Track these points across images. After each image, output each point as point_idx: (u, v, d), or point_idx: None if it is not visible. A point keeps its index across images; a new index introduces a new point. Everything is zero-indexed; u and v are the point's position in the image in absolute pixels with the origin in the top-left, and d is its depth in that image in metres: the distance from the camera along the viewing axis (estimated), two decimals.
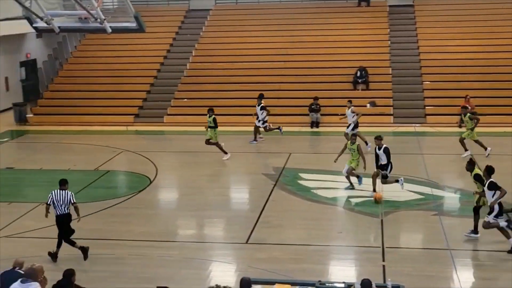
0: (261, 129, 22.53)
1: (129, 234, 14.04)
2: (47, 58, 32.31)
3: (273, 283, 8.81)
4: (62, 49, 32.29)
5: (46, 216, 12.82)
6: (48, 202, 12.72)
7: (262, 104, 22.36)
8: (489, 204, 12.69)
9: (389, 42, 29.57)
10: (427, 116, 25.27)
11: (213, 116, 20.02)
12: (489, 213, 12.67)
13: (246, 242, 13.48)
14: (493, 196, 12.55)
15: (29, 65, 32.05)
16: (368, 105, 25.74)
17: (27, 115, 27.04)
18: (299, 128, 24.63)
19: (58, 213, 12.59)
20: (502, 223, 12.63)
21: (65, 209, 12.57)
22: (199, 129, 23.23)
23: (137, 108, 27.13)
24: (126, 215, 15.47)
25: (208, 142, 20.02)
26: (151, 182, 18.13)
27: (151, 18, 29.88)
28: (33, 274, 6.68)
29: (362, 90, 26.92)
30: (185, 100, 27.30)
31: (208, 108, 20.66)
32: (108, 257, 12.79)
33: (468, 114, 19.74)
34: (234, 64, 28.90)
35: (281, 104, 26.23)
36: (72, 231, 12.70)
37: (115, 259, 12.69)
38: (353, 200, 16.19)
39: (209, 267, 12.37)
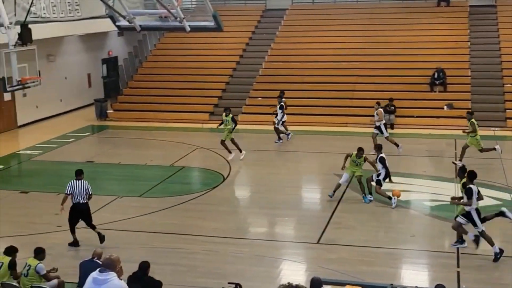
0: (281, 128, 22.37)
1: (202, 229, 14.30)
2: (127, 56, 33.28)
3: (343, 284, 8.80)
4: (142, 47, 33.19)
5: (62, 204, 13.26)
6: (67, 192, 13.20)
7: (282, 103, 22.26)
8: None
9: (469, 43, 28.77)
10: (508, 120, 24.46)
11: (231, 115, 20.05)
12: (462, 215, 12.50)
13: (317, 242, 13.49)
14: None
15: (111, 63, 33.13)
16: (445, 107, 25.24)
17: (108, 111, 27.92)
18: (373, 129, 24.32)
19: (77, 202, 13.13)
20: (470, 235, 12.47)
21: (84, 198, 13.16)
22: (272, 128, 23.40)
23: (213, 106, 27.53)
24: (200, 210, 15.77)
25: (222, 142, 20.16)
26: (224, 179, 18.39)
27: (228, 18, 30.23)
28: (111, 265, 6.92)
29: (439, 92, 26.32)
30: (260, 99, 27.48)
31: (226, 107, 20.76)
32: (182, 251, 13.07)
33: None
34: (310, 64, 28.86)
35: (355, 105, 26.07)
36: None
37: (188, 254, 12.96)
38: (428, 204, 15.92)
39: (280, 265, 12.45)
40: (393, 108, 24.68)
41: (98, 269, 6.97)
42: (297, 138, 20.12)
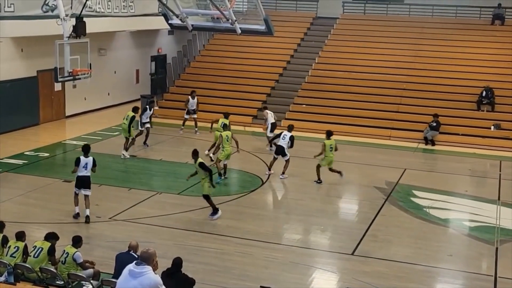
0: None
1: (237, 231, 14.37)
2: (176, 55, 33.66)
3: None
4: (191, 47, 33.53)
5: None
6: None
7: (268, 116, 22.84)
8: None
9: None
10: None
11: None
12: None
13: (352, 254, 13.40)
14: None
15: (159, 60, 33.58)
16: (492, 127, 24.79)
17: (154, 108, 28.24)
18: (416, 144, 24.11)
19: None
20: None
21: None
22: (315, 135, 23.36)
23: (256, 109, 27.62)
24: (237, 212, 15.84)
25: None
26: (263, 183, 18.45)
27: (278, 23, 30.28)
28: (147, 258, 7.01)
29: (486, 111, 25.87)
30: (304, 106, 27.47)
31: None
32: (216, 251, 13.16)
33: None
34: (356, 74, 28.72)
35: (400, 118, 25.84)
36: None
37: (222, 254, 13.03)
38: (467, 224, 15.65)
39: (313, 273, 12.42)
40: (435, 124, 24.35)
41: (134, 262, 7.06)
42: (340, 148, 19.97)
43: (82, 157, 14.74)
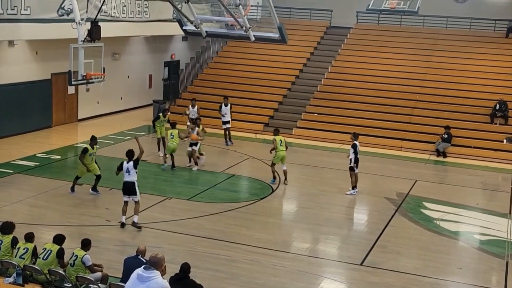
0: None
1: (246, 238, 14.36)
2: (189, 61, 33.78)
3: None
4: (204, 54, 33.64)
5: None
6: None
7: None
8: None
9: None
10: None
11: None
12: None
13: (361, 264, 13.35)
14: None
15: (173, 66, 33.72)
16: (504, 140, 24.66)
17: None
18: (428, 156, 24.02)
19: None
20: None
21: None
22: (326, 144, 23.35)
23: (268, 117, 27.64)
24: (246, 219, 15.83)
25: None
26: (273, 191, 18.43)
27: (292, 31, 30.29)
28: (156, 263, 7.02)
29: (499, 124, 25.74)
30: (316, 115, 27.46)
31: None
32: (224, 258, 13.14)
33: None
34: (369, 85, 28.68)
35: (411, 130, 25.76)
36: None
37: (231, 261, 13.01)
38: (478, 237, 15.55)
39: (321, 283, 12.37)
40: (447, 136, 24.25)
41: (143, 266, 7.07)
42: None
43: (124, 163, 14.65)
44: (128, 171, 14.57)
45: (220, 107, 24.33)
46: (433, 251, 14.33)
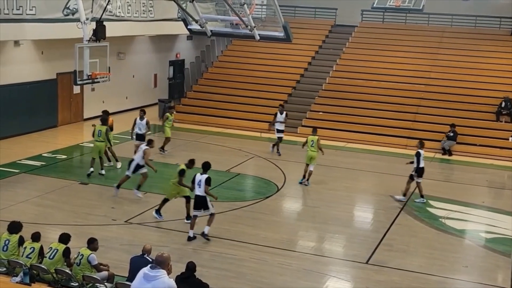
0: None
1: (252, 237, 14.37)
2: (194, 60, 33.82)
3: None
4: (209, 53, 33.67)
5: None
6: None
7: None
8: None
9: None
10: None
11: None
12: None
13: (366, 262, 13.35)
14: None
15: (178, 65, 33.76)
16: (510, 138, 24.60)
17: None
18: (433, 154, 23.97)
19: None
20: None
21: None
22: (331, 142, 23.32)
23: (273, 116, 27.58)
24: (252, 218, 15.85)
25: None
26: (278, 189, 18.44)
27: (296, 30, 30.32)
28: (162, 262, 7.04)
29: (505, 122, 25.68)
30: (321, 113, 27.45)
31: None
32: (230, 257, 13.15)
33: None
34: (374, 83, 28.67)
35: (417, 128, 25.71)
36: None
37: (237, 260, 13.03)
38: (483, 235, 15.53)
39: (327, 281, 12.38)
40: (452, 134, 24.20)
41: (149, 265, 7.09)
42: (356, 156, 19.96)
43: (197, 174, 13.91)
44: (199, 183, 13.78)
45: (275, 115, 22.86)
46: (439, 250, 14.32)
